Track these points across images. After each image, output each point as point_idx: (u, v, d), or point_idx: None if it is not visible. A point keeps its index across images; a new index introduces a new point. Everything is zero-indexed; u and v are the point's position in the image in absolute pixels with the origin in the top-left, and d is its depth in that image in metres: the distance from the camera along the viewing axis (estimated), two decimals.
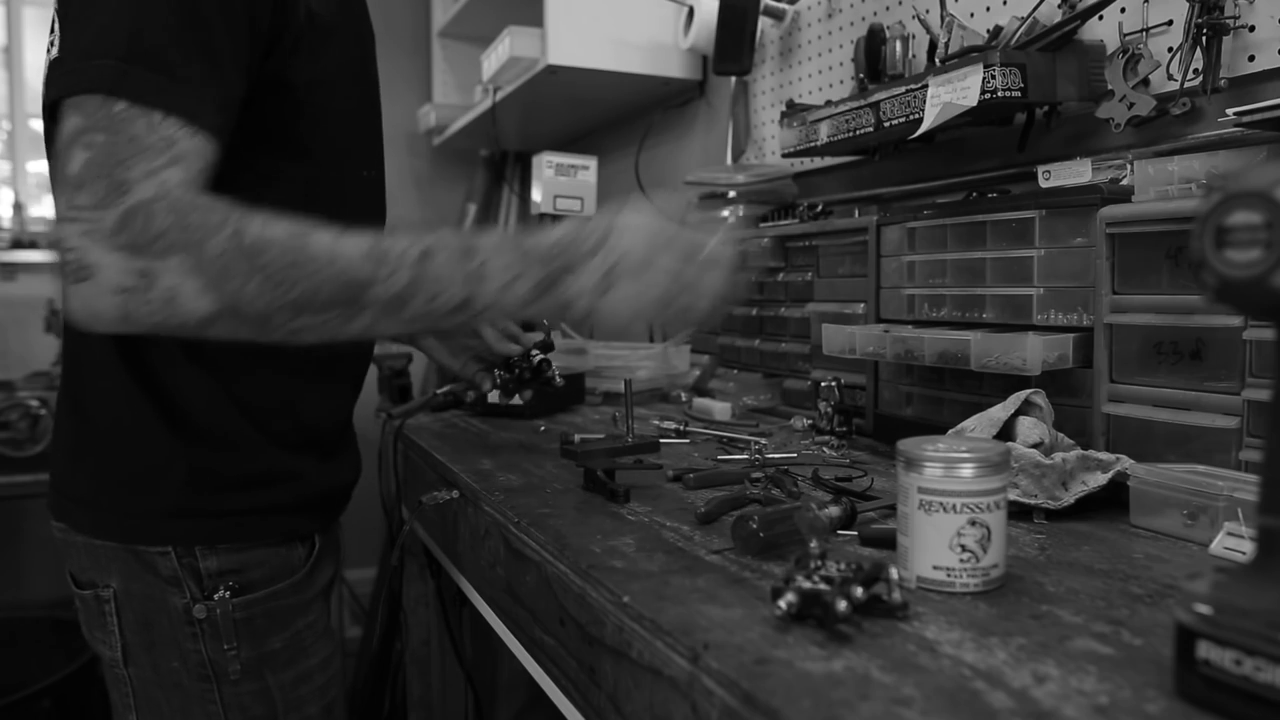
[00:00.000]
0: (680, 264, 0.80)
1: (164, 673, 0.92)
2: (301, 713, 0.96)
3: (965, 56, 1.10)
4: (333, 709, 1.00)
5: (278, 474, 0.94)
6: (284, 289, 0.71)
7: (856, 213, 1.38)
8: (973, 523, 0.63)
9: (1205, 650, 0.47)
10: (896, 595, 0.60)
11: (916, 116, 1.16)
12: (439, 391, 1.55)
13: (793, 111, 1.42)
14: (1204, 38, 0.97)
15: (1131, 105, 1.04)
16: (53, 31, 0.79)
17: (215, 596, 0.90)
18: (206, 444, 0.90)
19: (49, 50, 0.78)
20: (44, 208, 2.94)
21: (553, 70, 1.98)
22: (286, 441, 0.95)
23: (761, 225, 1.60)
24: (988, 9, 1.28)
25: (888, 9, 1.47)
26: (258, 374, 0.92)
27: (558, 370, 1.22)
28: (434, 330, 0.73)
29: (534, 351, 1.21)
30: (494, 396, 1.24)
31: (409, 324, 0.76)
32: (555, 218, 2.01)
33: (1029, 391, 0.93)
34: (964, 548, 0.64)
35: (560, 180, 1.93)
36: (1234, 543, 0.72)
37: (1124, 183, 0.99)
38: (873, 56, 1.38)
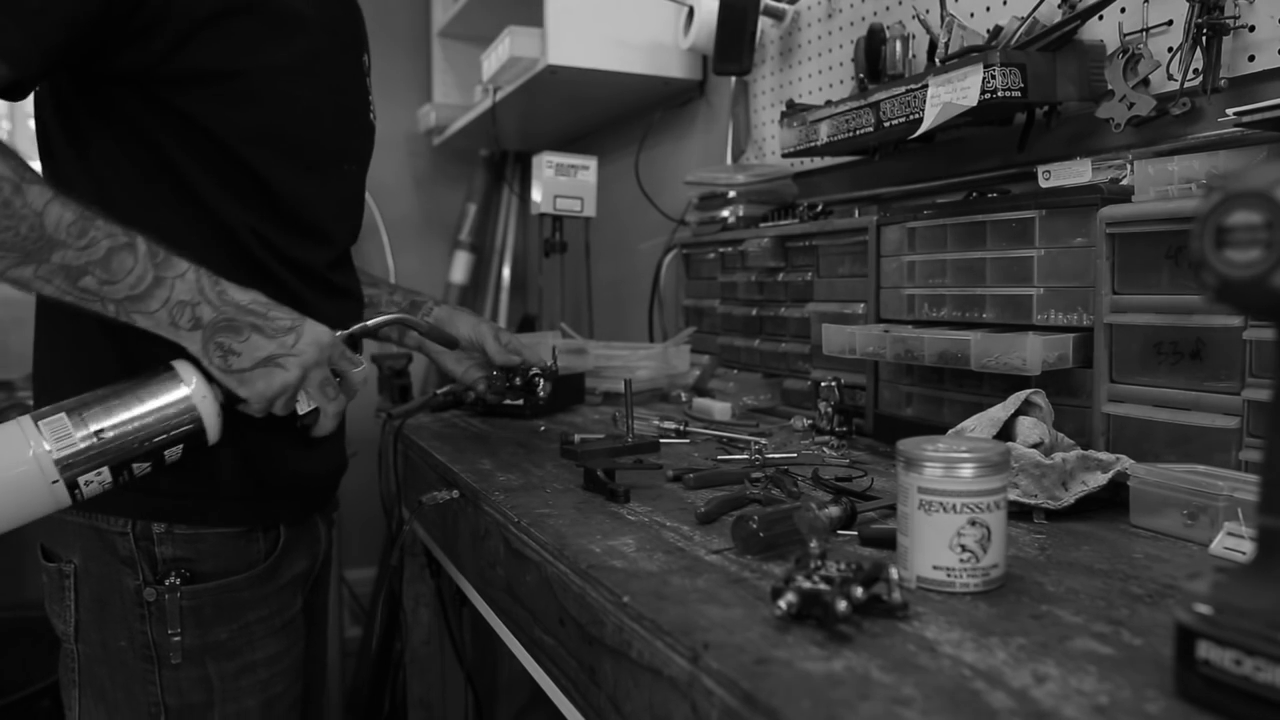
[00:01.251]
0: (320, 389, 0.91)
1: (112, 651, 0.95)
2: (239, 704, 0.98)
3: (965, 56, 1.10)
4: (273, 705, 1.01)
5: (242, 456, 0.96)
6: None
7: (856, 213, 1.38)
8: (973, 523, 0.63)
9: (1205, 650, 0.47)
10: (896, 595, 0.60)
11: (916, 116, 1.16)
12: (439, 391, 1.55)
13: (793, 111, 1.42)
14: (1204, 38, 0.97)
15: (1131, 105, 1.04)
16: None
17: (166, 582, 0.93)
18: None
19: None
20: None
21: (553, 70, 1.98)
22: (252, 424, 0.95)
23: (761, 225, 1.60)
24: (988, 9, 1.28)
25: (888, 9, 1.47)
26: None
27: (546, 390, 1.32)
28: (89, 310, 0.84)
29: (534, 370, 1.30)
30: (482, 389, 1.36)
31: (73, 292, 0.82)
32: (555, 218, 2.02)
33: (1029, 391, 0.93)
34: (964, 548, 0.64)
35: (560, 180, 1.93)
36: (1234, 543, 0.72)
37: (1124, 183, 0.99)
38: (873, 56, 1.38)
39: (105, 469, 0.81)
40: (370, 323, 1.02)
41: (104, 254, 0.81)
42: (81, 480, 0.80)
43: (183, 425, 0.85)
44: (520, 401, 1.36)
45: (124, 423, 0.82)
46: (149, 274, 0.83)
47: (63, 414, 0.81)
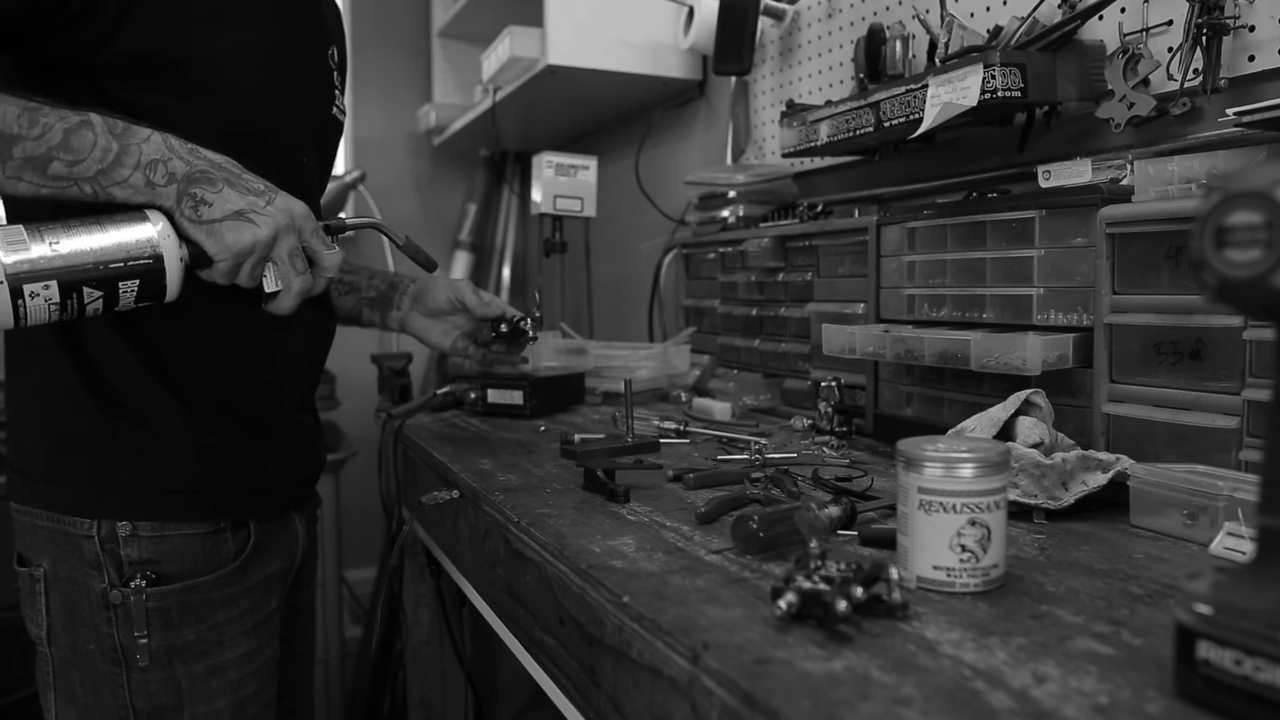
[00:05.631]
0: (289, 259, 0.88)
1: (81, 654, 0.95)
2: (209, 705, 0.98)
3: (965, 56, 1.10)
4: (245, 705, 1.01)
5: (205, 449, 0.96)
6: None
7: (856, 213, 1.38)
8: (973, 523, 0.63)
9: (1205, 650, 0.47)
10: (896, 595, 0.60)
11: (916, 116, 1.15)
12: (439, 391, 1.55)
13: (793, 111, 1.42)
14: (1204, 38, 0.97)
15: (1131, 105, 1.04)
16: None
17: (131, 584, 0.93)
18: (128, 417, 0.94)
19: None
20: None
21: (553, 70, 1.98)
22: (211, 419, 0.96)
23: (761, 225, 1.60)
24: (988, 9, 1.28)
25: (888, 9, 1.47)
26: (185, 346, 0.94)
27: (534, 329, 1.32)
28: (69, 200, 0.82)
29: (515, 316, 1.30)
30: (474, 362, 1.37)
31: (47, 184, 0.81)
32: (555, 218, 2.02)
33: (1029, 391, 0.93)
34: (964, 548, 0.64)
35: (560, 180, 1.93)
36: (1234, 543, 0.72)
37: (1124, 183, 0.99)
38: (873, 56, 1.38)
39: (54, 284, 0.79)
40: (348, 220, 1.01)
41: (61, 136, 0.80)
42: (26, 290, 0.78)
43: (142, 258, 0.82)
44: (517, 356, 1.37)
45: (81, 243, 0.81)
46: (113, 145, 0.82)
47: (20, 226, 0.80)
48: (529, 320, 1.31)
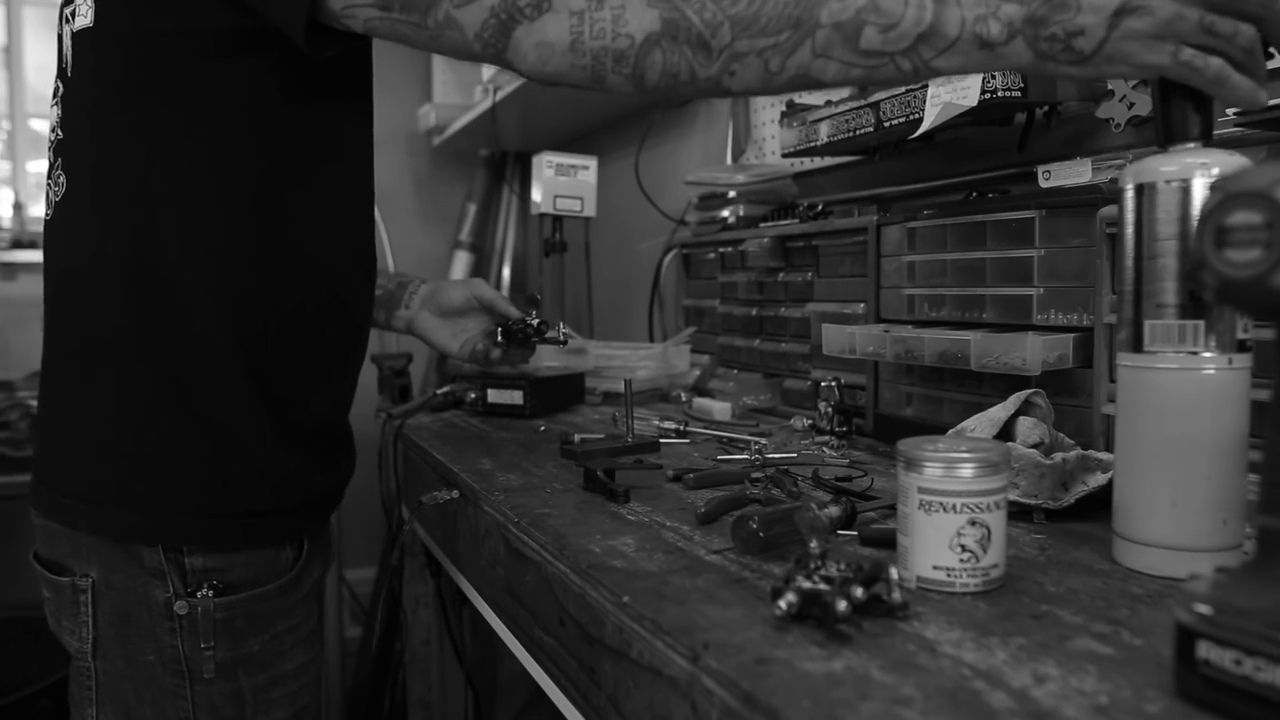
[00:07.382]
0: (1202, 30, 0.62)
1: (137, 665, 0.91)
2: (270, 716, 0.96)
3: None
4: (301, 716, 0.99)
5: (287, 471, 0.94)
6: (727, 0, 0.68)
7: (856, 213, 1.38)
8: (973, 523, 0.63)
9: (1205, 650, 0.47)
10: (896, 595, 0.60)
11: (916, 116, 1.16)
12: (439, 391, 1.55)
13: (793, 111, 1.42)
14: None
15: (1131, 105, 1.03)
16: None
17: (198, 594, 0.89)
18: (216, 435, 0.89)
19: None
20: (43, 207, 2.94)
21: None
22: (295, 436, 0.95)
23: (761, 225, 1.60)
24: None
25: None
26: (286, 361, 0.92)
27: (561, 330, 1.31)
28: (880, 82, 0.69)
29: (530, 315, 1.28)
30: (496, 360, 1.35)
31: (859, 62, 0.66)
32: (555, 218, 2.02)
33: (1029, 391, 0.93)
34: (964, 548, 0.64)
35: (560, 180, 1.93)
36: None
37: None
38: None
39: None
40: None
41: None
42: None
43: None
44: (529, 354, 1.35)
45: None
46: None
47: None
48: (559, 328, 1.29)
